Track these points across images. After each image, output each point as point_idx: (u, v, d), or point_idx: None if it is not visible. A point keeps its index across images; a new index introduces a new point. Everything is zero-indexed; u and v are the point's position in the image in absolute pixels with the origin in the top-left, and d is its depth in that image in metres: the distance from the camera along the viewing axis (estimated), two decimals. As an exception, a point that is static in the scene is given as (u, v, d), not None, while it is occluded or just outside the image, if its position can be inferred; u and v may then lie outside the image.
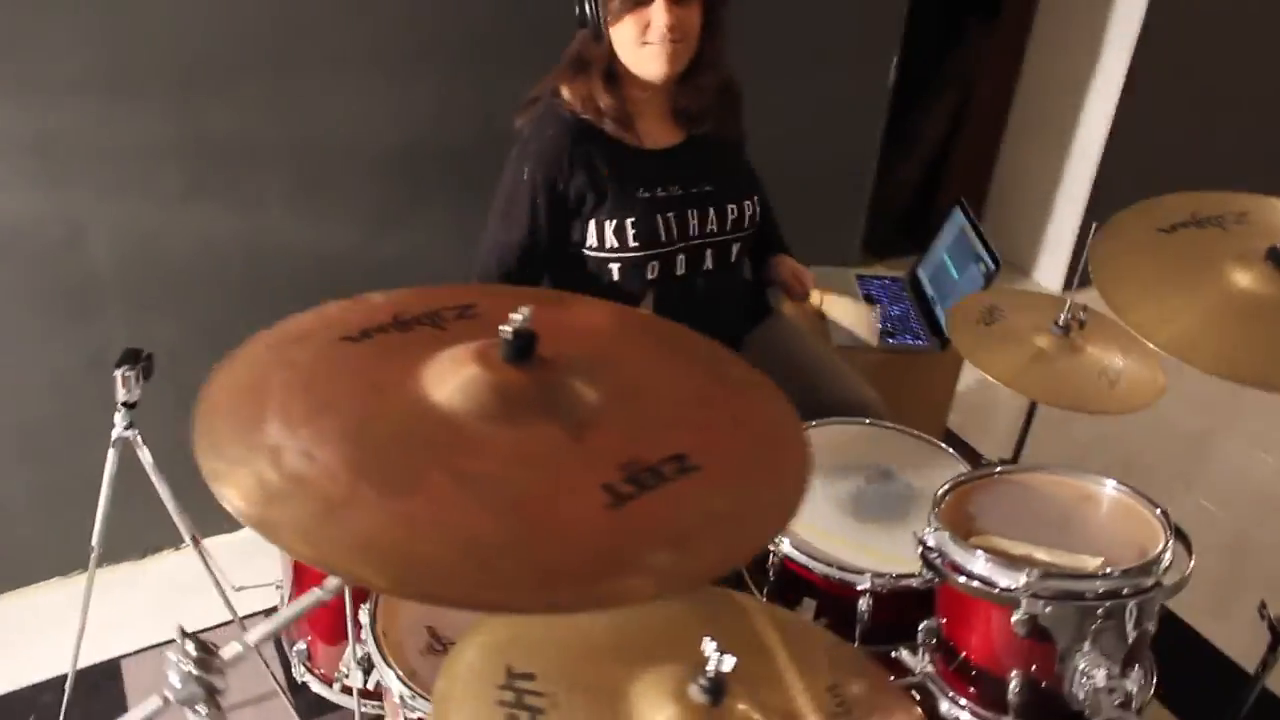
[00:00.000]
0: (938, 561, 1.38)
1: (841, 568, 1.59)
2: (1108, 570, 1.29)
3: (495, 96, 2.30)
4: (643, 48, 1.71)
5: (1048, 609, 1.28)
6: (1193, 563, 1.36)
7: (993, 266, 2.36)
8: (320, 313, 1.06)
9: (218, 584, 1.99)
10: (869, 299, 2.62)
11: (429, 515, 0.78)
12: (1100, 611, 1.28)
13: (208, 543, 1.96)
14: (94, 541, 1.92)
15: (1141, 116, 3.43)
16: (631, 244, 1.81)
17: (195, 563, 1.93)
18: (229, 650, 0.94)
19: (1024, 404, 2.10)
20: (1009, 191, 3.90)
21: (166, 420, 1.71)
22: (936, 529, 1.41)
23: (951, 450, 1.88)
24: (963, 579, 1.35)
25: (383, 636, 1.50)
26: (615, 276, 1.84)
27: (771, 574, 1.67)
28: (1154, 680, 1.43)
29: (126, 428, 1.82)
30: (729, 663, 1.02)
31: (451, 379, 0.91)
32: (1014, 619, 1.30)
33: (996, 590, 1.31)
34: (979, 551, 1.36)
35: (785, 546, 1.63)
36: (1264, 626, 1.64)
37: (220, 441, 0.83)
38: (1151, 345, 1.40)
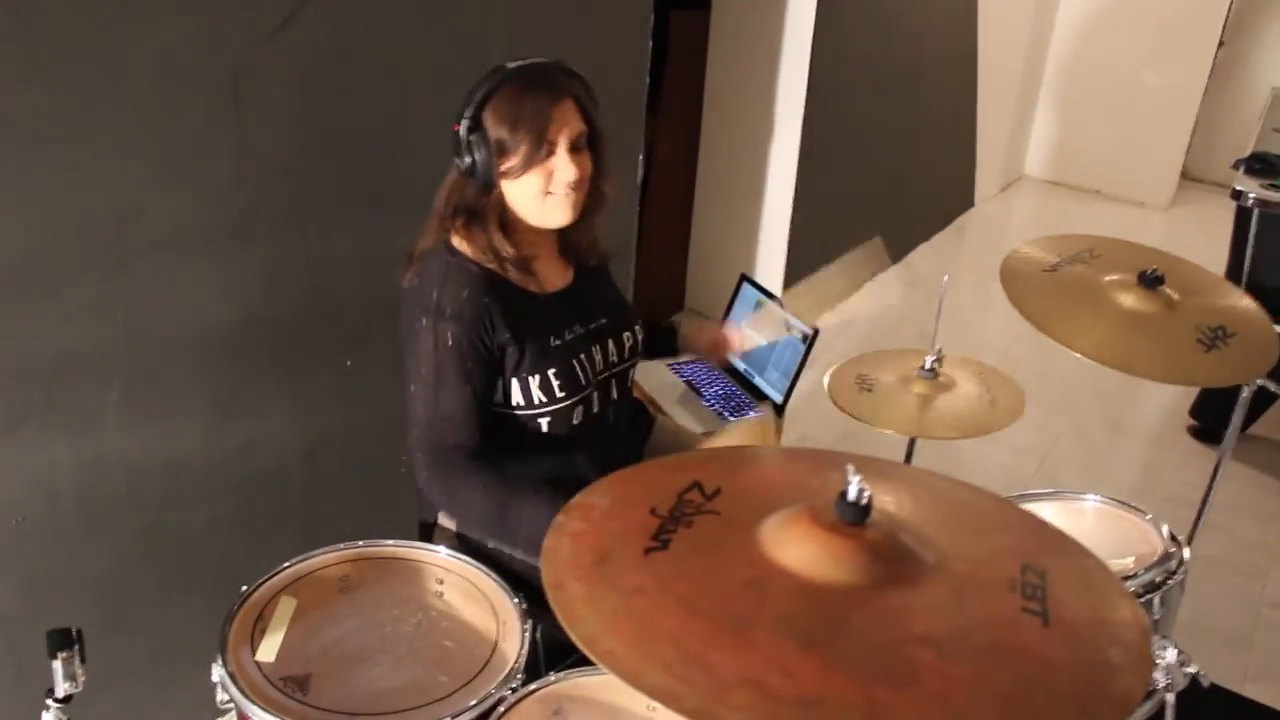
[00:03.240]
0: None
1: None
2: (1149, 564, 1.53)
3: (321, 260, 2.18)
4: (546, 199, 1.71)
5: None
6: (1187, 552, 1.64)
7: (809, 331, 2.59)
8: (569, 535, 0.98)
9: None
10: (690, 385, 2.76)
11: (951, 690, 0.79)
12: (1149, 602, 1.51)
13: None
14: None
15: (819, 167, 3.92)
16: (559, 395, 1.78)
17: None
18: None
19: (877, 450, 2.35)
20: (708, 258, 4.24)
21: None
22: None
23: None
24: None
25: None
26: (545, 429, 1.81)
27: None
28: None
29: (63, 727, 1.50)
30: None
31: (817, 555, 0.92)
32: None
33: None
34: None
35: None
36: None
37: (699, 704, 0.78)
38: (1077, 354, 1.68)
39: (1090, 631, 0.90)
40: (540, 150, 1.66)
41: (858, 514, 0.94)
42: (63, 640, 1.45)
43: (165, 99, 1.84)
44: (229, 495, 2.16)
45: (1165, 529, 1.63)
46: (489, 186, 1.71)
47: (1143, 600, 1.51)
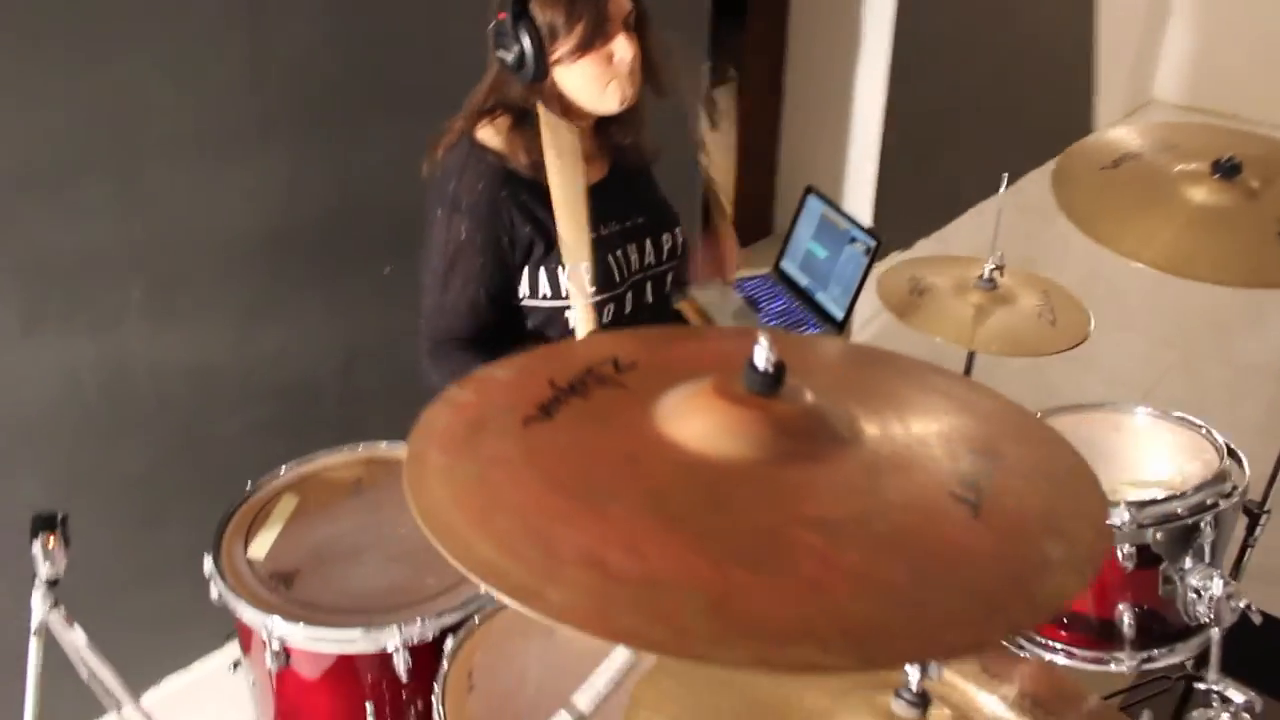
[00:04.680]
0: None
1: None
2: (1193, 485, 1.35)
3: (348, 164, 2.13)
4: (607, 82, 1.63)
5: (1158, 535, 1.32)
6: (1248, 472, 1.44)
7: (872, 242, 2.43)
8: (453, 406, 0.90)
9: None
10: (750, 301, 2.63)
11: (828, 577, 0.67)
12: (1200, 525, 1.33)
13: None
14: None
15: (914, 74, 3.67)
16: (589, 289, 1.70)
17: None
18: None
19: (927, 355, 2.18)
20: (797, 178, 4.06)
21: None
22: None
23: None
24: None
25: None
26: (572, 324, 1.73)
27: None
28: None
29: (52, 607, 1.51)
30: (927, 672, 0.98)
31: (711, 426, 0.80)
32: (1122, 554, 1.33)
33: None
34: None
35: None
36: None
37: (524, 580, 0.68)
38: (1141, 264, 1.48)
39: (1032, 524, 0.76)
40: (600, 31, 1.58)
41: (766, 384, 0.82)
42: (45, 524, 1.45)
43: (176, -7, 1.80)
44: (263, 402, 2.16)
45: (1224, 444, 1.44)
46: (539, 76, 1.61)
47: (1190, 523, 1.33)
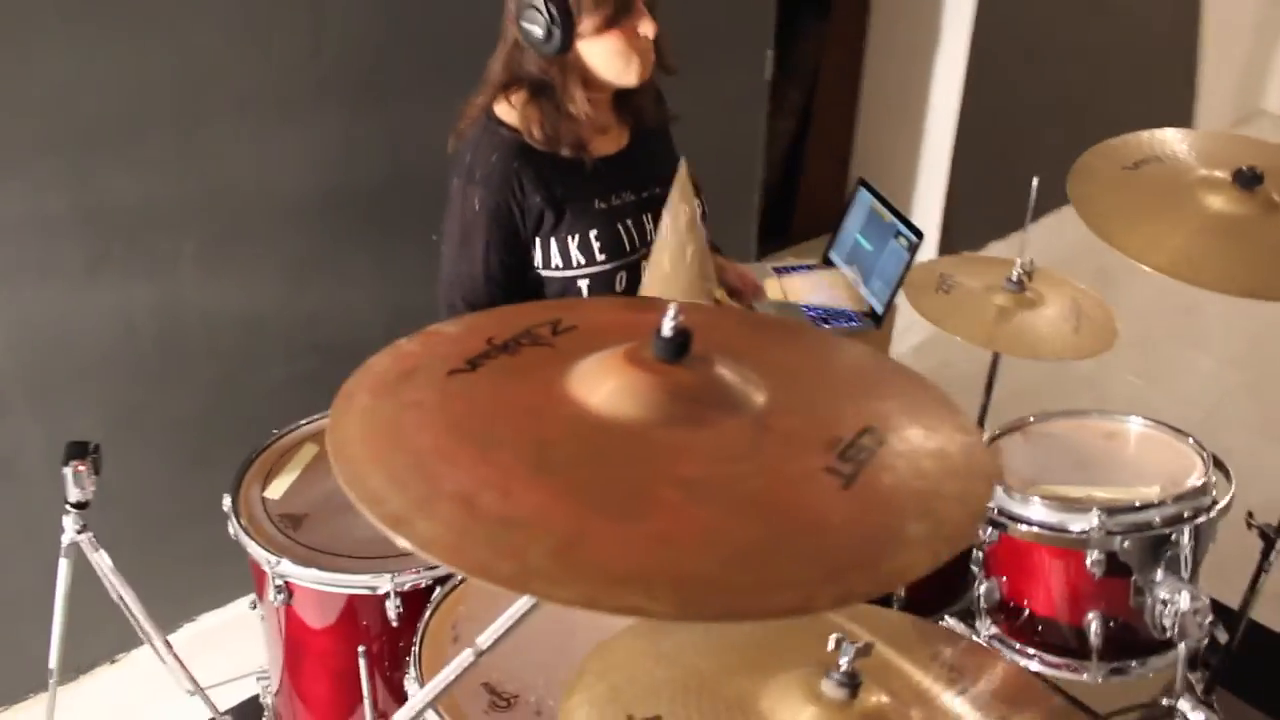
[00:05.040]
0: (996, 517, 1.40)
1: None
2: (1171, 496, 1.34)
3: (403, 131, 2.22)
4: (630, 56, 1.69)
5: (1125, 544, 1.31)
6: (1234, 487, 1.42)
7: (915, 238, 2.42)
8: (396, 354, 0.96)
9: (197, 686, 1.81)
10: (793, 288, 2.65)
11: (678, 531, 0.72)
12: (1173, 537, 1.32)
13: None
14: (52, 664, 1.72)
15: (994, 73, 3.61)
16: (599, 257, 1.76)
17: (147, 669, 1.74)
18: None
19: (976, 368, 2.16)
20: (870, 175, 4.03)
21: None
22: (989, 486, 1.42)
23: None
24: (1027, 528, 1.37)
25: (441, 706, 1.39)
26: (585, 293, 1.78)
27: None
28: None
29: (79, 531, 1.63)
30: (858, 652, 1.01)
31: (613, 388, 0.85)
32: (1090, 560, 1.33)
33: (1071, 534, 1.33)
34: (1035, 499, 1.38)
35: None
36: (1254, 535, 1.73)
37: (399, 509, 0.74)
38: (1149, 269, 1.46)
39: (902, 501, 0.79)
40: (627, 8, 1.64)
41: (670, 351, 0.86)
42: (76, 451, 1.56)
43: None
44: (307, 356, 2.27)
45: (1210, 457, 1.41)
46: (565, 49, 1.67)
47: (1162, 534, 1.31)
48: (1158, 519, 1.31)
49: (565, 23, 1.63)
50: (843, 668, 1.05)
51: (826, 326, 2.50)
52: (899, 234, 2.48)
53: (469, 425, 0.84)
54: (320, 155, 2.14)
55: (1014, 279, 1.96)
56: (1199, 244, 1.48)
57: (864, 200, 2.67)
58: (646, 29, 1.67)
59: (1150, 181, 1.59)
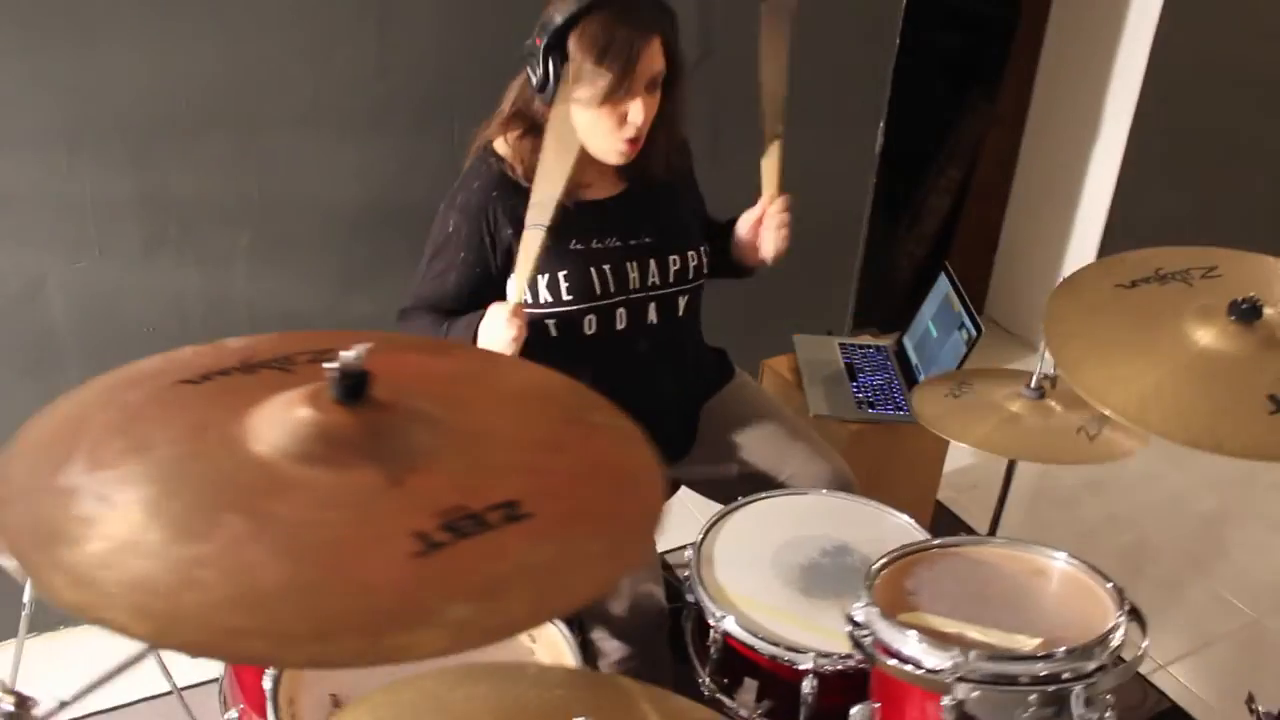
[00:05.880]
0: (866, 641, 1.28)
1: (785, 646, 1.49)
2: (1047, 652, 1.18)
3: (459, 154, 2.29)
4: (610, 136, 1.68)
5: (974, 694, 1.17)
6: (1146, 643, 1.24)
7: (974, 333, 2.27)
8: (171, 356, 1.00)
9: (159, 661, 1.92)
10: (850, 368, 2.54)
11: (215, 560, 0.71)
12: (1034, 698, 1.16)
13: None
14: (25, 597, 1.86)
15: (1144, 182, 3.34)
16: (565, 297, 1.76)
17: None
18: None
19: (1024, 477, 2.00)
20: (1014, 264, 3.81)
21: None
22: (867, 605, 1.30)
23: (914, 523, 1.77)
24: (891, 660, 1.25)
25: (287, 705, 1.42)
26: (553, 333, 1.79)
27: (713, 651, 1.57)
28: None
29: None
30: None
31: (278, 420, 0.85)
32: (943, 704, 1.19)
33: (923, 673, 1.20)
34: (909, 631, 1.25)
35: (727, 623, 1.53)
36: (1252, 721, 1.51)
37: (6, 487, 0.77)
38: (1102, 409, 1.31)
39: (468, 584, 0.74)
40: (621, 89, 1.63)
41: (341, 390, 0.85)
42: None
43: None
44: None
45: (1125, 609, 1.21)
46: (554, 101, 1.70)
47: (1024, 694, 1.14)
48: (1027, 675, 1.15)
49: (560, 77, 1.64)
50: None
51: (871, 411, 2.39)
52: (962, 325, 2.34)
53: (137, 432, 0.86)
54: (374, 174, 2.26)
55: (1033, 386, 1.80)
56: (1167, 385, 1.30)
57: (942, 287, 2.53)
58: (635, 116, 1.64)
59: (1139, 304, 1.43)
